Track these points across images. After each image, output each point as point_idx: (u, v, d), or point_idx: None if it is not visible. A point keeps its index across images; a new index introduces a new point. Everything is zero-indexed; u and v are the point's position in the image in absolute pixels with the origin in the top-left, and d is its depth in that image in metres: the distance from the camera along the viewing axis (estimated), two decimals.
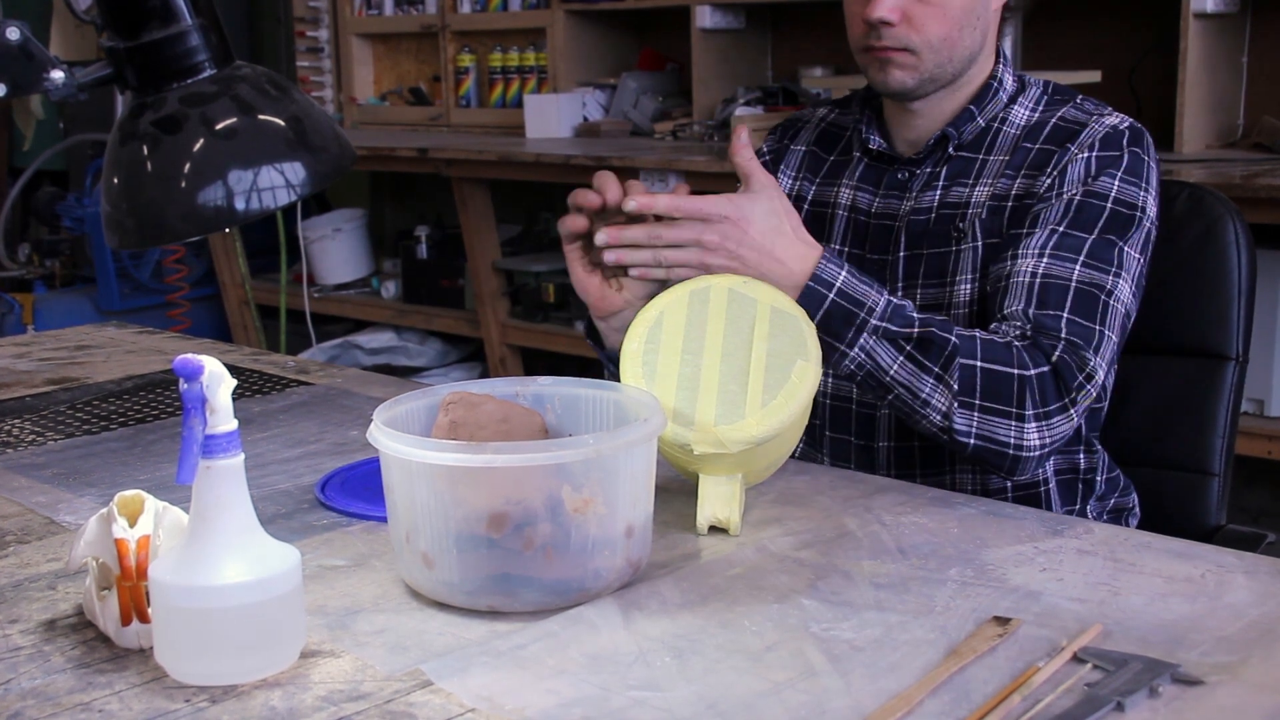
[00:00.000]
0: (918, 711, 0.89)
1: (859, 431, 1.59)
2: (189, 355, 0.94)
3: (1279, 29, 3.10)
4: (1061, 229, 1.44)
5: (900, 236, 1.57)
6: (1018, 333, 1.40)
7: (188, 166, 1.28)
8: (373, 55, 4.94)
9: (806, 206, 1.66)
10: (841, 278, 1.35)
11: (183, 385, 0.94)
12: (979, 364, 1.34)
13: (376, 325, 4.58)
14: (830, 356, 1.34)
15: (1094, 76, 3.08)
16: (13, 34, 1.26)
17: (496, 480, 1.03)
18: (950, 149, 1.56)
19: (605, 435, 1.06)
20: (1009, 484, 1.54)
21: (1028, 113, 1.57)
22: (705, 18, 3.81)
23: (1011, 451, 1.36)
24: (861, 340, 1.34)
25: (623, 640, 1.01)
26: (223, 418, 0.94)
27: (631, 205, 1.31)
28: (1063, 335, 1.38)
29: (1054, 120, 1.54)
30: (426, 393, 1.21)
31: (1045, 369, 1.36)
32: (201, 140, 1.28)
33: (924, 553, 1.17)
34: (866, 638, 1.00)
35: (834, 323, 1.34)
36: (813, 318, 1.30)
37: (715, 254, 1.32)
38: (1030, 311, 1.40)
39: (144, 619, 0.99)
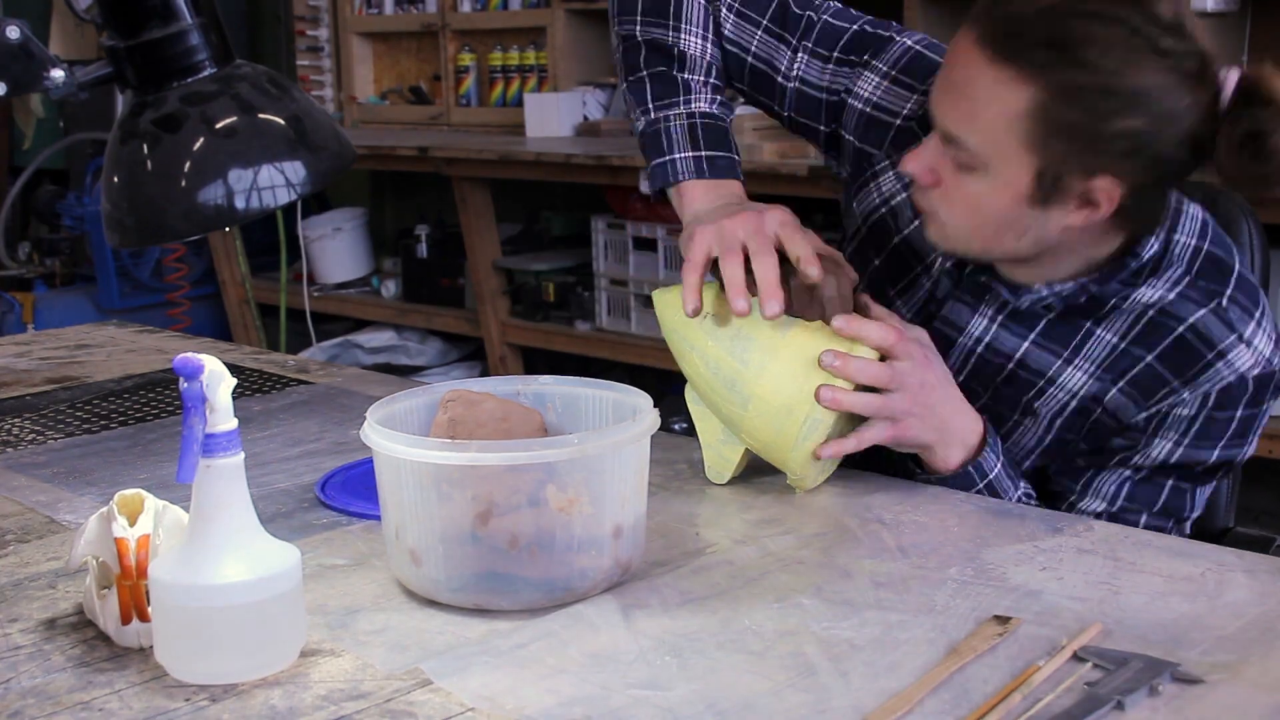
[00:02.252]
0: (918, 711, 0.89)
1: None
2: (189, 354, 0.94)
3: (1279, 29, 3.10)
4: (1139, 478, 1.36)
5: (964, 360, 1.39)
6: None
7: (188, 165, 1.28)
8: (373, 54, 4.94)
9: (896, 240, 1.45)
10: (995, 469, 1.32)
11: (183, 384, 0.94)
12: None
13: (376, 324, 4.58)
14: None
15: None
16: (13, 33, 1.26)
17: (481, 478, 1.03)
18: (1047, 310, 1.35)
19: (591, 434, 1.06)
20: None
21: (1158, 293, 1.31)
22: None
23: None
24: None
25: (623, 639, 1.01)
26: (223, 416, 0.94)
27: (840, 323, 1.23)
28: None
29: (1182, 328, 1.30)
30: (425, 391, 1.21)
31: None
32: (202, 139, 1.28)
33: (924, 552, 1.17)
34: (866, 637, 1.00)
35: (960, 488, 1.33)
36: (951, 484, 1.32)
37: (911, 397, 1.25)
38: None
39: (144, 618, 0.99)
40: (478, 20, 4.50)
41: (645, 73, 1.45)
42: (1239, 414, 1.32)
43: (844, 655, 0.97)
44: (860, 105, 1.44)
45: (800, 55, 1.45)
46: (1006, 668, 0.95)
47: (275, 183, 1.29)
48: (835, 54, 1.44)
